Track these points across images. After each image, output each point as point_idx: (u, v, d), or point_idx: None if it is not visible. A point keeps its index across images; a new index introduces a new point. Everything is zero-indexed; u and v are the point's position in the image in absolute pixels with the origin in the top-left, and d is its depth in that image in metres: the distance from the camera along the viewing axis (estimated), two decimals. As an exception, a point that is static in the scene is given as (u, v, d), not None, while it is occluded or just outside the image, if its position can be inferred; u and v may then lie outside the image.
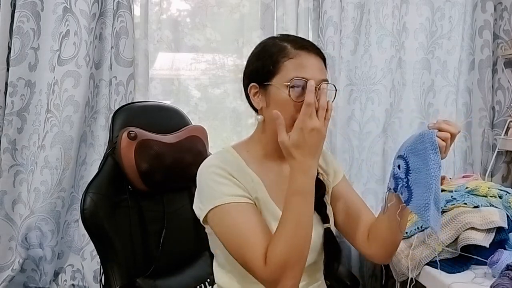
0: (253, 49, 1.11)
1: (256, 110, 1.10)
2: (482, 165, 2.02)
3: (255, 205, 1.03)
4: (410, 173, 0.97)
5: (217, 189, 1.00)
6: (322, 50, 1.07)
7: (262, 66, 1.04)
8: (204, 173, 1.04)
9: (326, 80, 1.03)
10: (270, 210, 1.04)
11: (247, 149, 1.11)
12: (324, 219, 1.12)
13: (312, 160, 0.95)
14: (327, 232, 1.11)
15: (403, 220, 1.05)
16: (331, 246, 1.11)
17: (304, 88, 0.98)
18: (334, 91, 1.08)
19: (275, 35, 1.11)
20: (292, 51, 1.02)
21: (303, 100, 0.95)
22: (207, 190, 1.02)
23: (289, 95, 0.99)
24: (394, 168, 1.01)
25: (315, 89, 0.97)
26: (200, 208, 1.04)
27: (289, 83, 0.99)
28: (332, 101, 1.02)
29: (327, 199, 1.17)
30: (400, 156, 1.00)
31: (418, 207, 0.95)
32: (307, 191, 0.96)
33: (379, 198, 2.00)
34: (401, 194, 0.98)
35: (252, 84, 1.06)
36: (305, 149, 0.94)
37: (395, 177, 1.00)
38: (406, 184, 0.97)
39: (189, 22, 2.09)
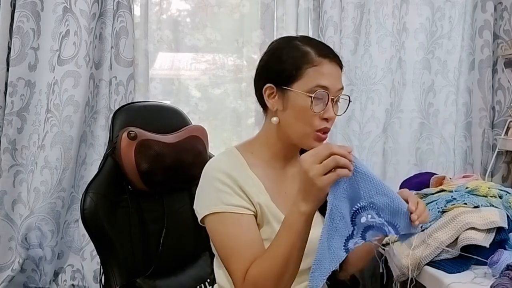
0: (267, 48, 1.09)
1: (264, 108, 1.09)
2: (482, 165, 2.02)
3: (256, 213, 1.03)
4: (381, 214, 0.92)
5: (216, 196, 1.00)
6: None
7: (283, 70, 1.02)
8: (208, 175, 1.04)
9: (342, 89, 1.05)
10: (273, 214, 1.03)
11: (251, 150, 1.10)
12: None
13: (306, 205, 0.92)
14: None
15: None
16: None
17: (326, 100, 1.00)
18: (348, 102, 1.09)
19: (293, 35, 1.10)
20: (316, 59, 1.01)
21: (322, 111, 0.99)
22: (207, 194, 1.03)
23: (311, 106, 0.99)
24: (368, 220, 0.92)
25: (332, 100, 1.01)
26: (197, 210, 1.05)
27: (312, 95, 0.99)
28: (344, 112, 1.08)
29: None
30: (362, 208, 0.93)
31: (406, 235, 0.94)
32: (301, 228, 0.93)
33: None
34: (390, 232, 0.92)
35: (268, 85, 1.04)
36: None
37: (378, 226, 0.91)
38: (385, 223, 0.92)
39: (189, 22, 2.09)
